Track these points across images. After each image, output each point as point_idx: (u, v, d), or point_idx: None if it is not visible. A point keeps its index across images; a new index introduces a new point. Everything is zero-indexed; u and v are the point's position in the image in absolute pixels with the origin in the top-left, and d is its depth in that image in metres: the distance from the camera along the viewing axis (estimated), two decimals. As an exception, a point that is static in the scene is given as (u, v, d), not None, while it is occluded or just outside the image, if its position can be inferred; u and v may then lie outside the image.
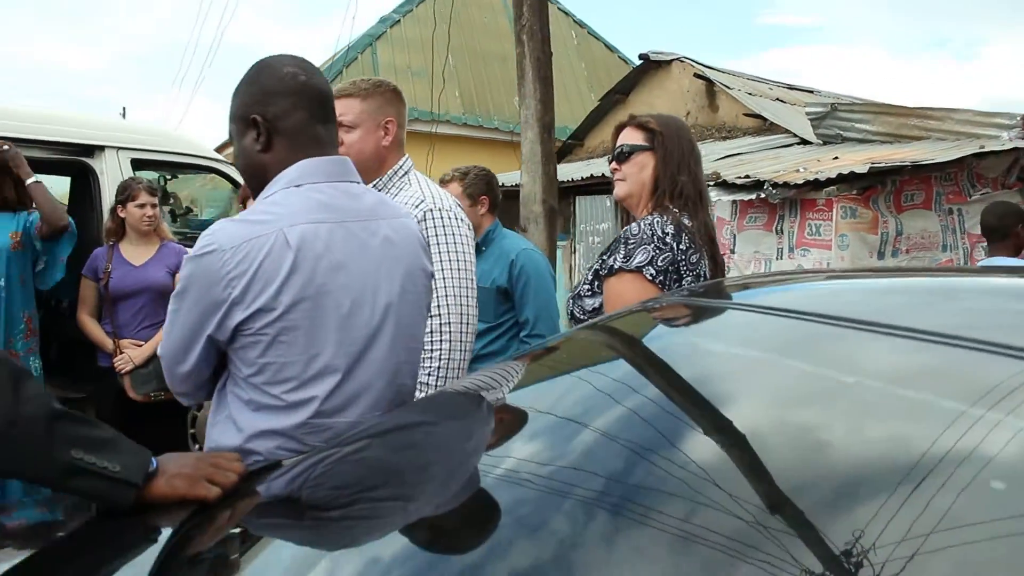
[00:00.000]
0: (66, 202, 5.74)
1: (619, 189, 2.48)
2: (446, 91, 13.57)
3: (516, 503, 0.97)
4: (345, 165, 1.73)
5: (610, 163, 2.52)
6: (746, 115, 9.26)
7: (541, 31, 5.11)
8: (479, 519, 0.97)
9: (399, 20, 13.71)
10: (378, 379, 1.65)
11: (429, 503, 1.08)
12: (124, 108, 38.27)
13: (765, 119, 8.95)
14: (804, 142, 8.18)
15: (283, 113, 1.66)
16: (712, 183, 6.31)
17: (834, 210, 5.76)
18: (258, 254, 1.51)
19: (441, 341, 2.32)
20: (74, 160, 5.13)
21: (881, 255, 5.97)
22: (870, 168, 5.42)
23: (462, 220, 2.37)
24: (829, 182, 5.58)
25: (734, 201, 6.37)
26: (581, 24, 15.97)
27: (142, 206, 4.18)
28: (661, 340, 1.60)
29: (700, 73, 9.91)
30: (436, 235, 2.30)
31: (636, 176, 2.42)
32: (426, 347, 2.32)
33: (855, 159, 6.22)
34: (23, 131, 4.73)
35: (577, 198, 8.83)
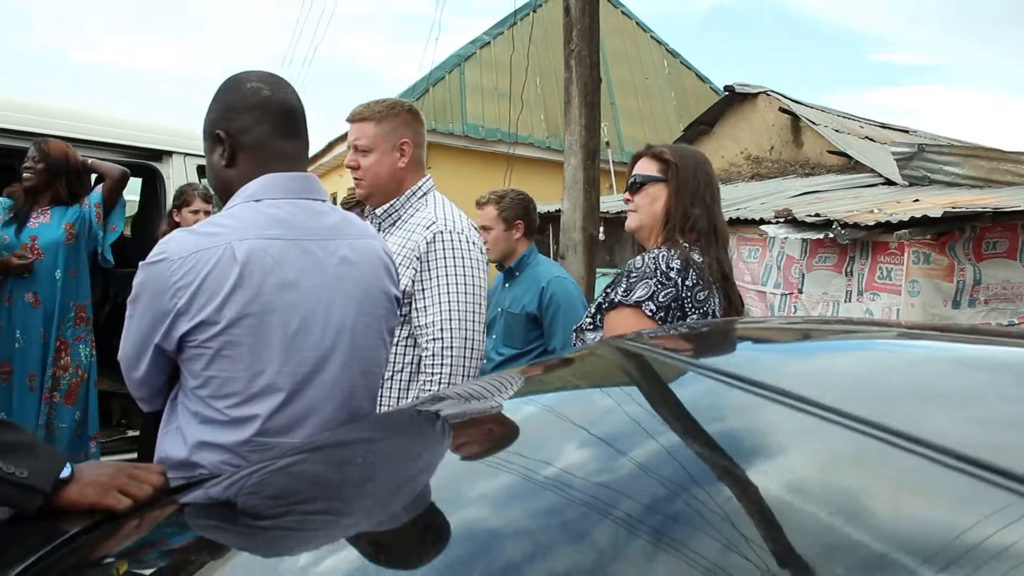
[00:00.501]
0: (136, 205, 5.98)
1: (630, 220, 2.41)
2: (531, 114, 13.65)
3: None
4: (308, 182, 1.70)
5: (624, 193, 2.46)
6: (830, 152, 8.99)
7: (590, 57, 5.06)
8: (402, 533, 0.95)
9: (489, 42, 13.85)
10: (328, 401, 1.61)
11: (350, 515, 1.05)
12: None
13: (850, 157, 8.66)
14: (889, 183, 7.88)
15: (246, 128, 1.66)
16: (781, 220, 6.12)
17: (906, 254, 5.51)
18: (204, 266, 1.50)
19: (442, 365, 2.28)
20: (144, 164, 5.32)
21: (956, 304, 5.68)
22: (944, 213, 5.17)
23: (474, 243, 2.34)
24: (901, 225, 5.34)
25: (804, 240, 6.17)
26: (674, 54, 15.86)
27: (196, 212, 4.32)
28: (586, 383, 1.51)
29: (786, 108, 9.68)
30: (444, 257, 2.27)
31: (648, 208, 2.35)
32: (427, 371, 2.29)
33: (935, 203, 5.95)
34: (97, 134, 4.94)
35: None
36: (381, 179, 2.39)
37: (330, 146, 17.47)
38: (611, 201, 10.12)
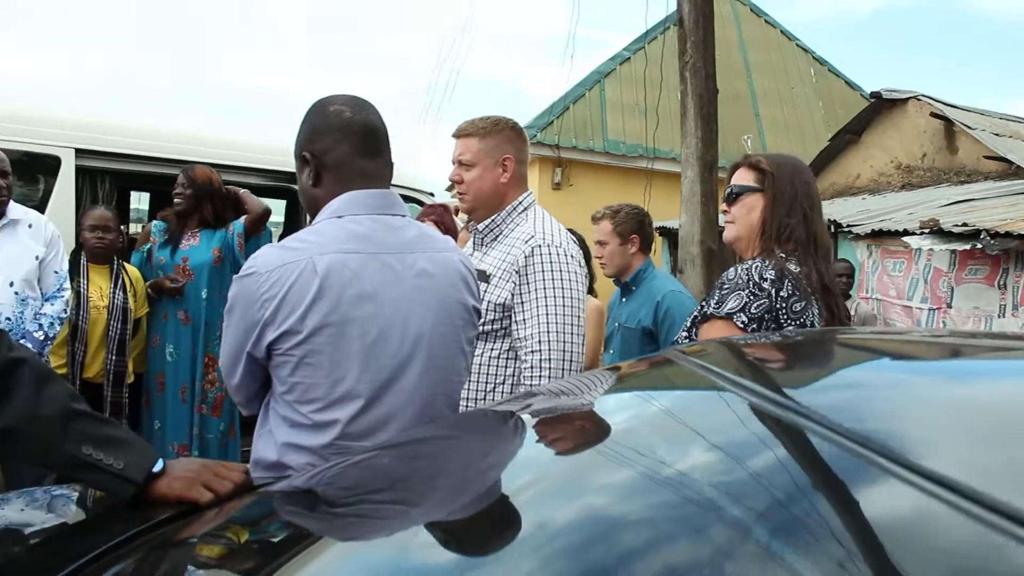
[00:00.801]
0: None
1: (727, 232, 2.39)
2: (671, 128, 13.53)
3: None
4: (388, 198, 1.79)
5: (721, 204, 2.44)
6: (987, 158, 8.45)
7: (705, 68, 4.99)
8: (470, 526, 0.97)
9: (629, 58, 13.84)
10: (407, 408, 1.69)
11: (421, 506, 1.09)
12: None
13: (1010, 162, 8.11)
14: (1056, 189, 7.33)
15: (328, 149, 1.76)
16: (927, 231, 5.82)
17: (1067, 265, 5.14)
18: (288, 279, 1.61)
19: (541, 377, 2.31)
20: (286, 187, 5.64)
21: None
22: (1108, 220, 4.79)
23: (572, 257, 2.36)
24: (1061, 233, 4.99)
25: (952, 251, 5.84)
26: (821, 61, 15.35)
27: None
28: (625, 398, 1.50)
29: (938, 112, 9.18)
30: (542, 271, 2.31)
31: (744, 218, 2.32)
32: (526, 383, 2.33)
33: (1102, 209, 5.52)
34: (241, 160, 5.29)
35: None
36: (483, 193, 2.46)
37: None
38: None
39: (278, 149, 5.76)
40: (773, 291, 2.14)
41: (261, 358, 1.67)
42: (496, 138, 2.45)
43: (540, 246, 2.32)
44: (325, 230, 1.71)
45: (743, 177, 2.35)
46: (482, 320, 2.31)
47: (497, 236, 2.45)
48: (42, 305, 3.64)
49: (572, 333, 2.33)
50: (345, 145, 1.76)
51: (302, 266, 1.62)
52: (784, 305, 2.14)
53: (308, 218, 1.87)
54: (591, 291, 4.24)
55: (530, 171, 14.63)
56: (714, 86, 5.05)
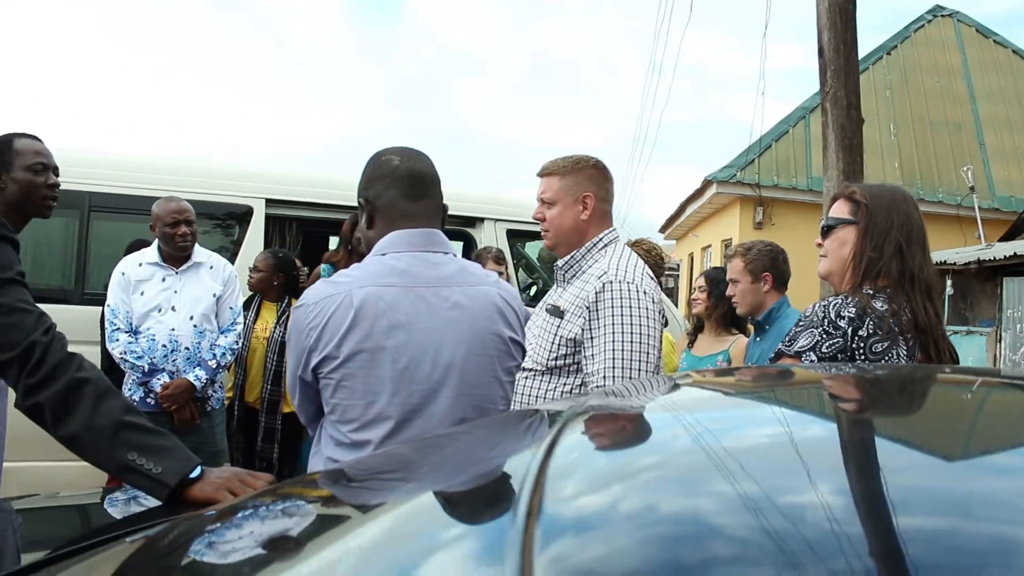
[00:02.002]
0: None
1: (821, 266, 2.31)
2: (884, 161, 12.82)
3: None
4: (431, 236, 1.93)
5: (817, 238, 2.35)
6: None
7: (847, 97, 4.71)
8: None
9: (836, 91, 13.29)
10: (437, 431, 1.79)
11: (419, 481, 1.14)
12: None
13: None
14: None
15: (379, 194, 1.95)
16: None
17: None
18: (329, 309, 1.79)
19: None
20: (460, 230, 5.93)
21: None
22: None
23: (644, 293, 2.37)
24: None
25: None
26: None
27: None
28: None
29: None
30: (612, 306, 2.33)
31: (836, 252, 2.24)
32: None
33: None
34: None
35: (1005, 279, 7.74)
36: (563, 230, 2.52)
37: (682, 207, 17.73)
38: (969, 252, 9.15)
39: (456, 195, 6.09)
40: (850, 330, 2.05)
41: (311, 381, 1.85)
42: (576, 176, 2.51)
43: (611, 282, 2.34)
44: (368, 266, 1.88)
45: (838, 209, 2.27)
46: (555, 356, 2.37)
47: (576, 273, 2.50)
48: (217, 337, 4.08)
49: (640, 369, 2.33)
50: (393, 190, 1.94)
51: (341, 298, 1.80)
52: (863, 345, 2.05)
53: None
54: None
55: (729, 210, 14.47)
56: (857, 115, 4.78)
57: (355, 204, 2.03)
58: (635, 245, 4.30)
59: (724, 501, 0.77)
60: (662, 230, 22.28)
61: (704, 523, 0.75)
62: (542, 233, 2.60)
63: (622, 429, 1.22)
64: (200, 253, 4.11)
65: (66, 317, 4.41)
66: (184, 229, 3.93)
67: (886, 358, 2.05)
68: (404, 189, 1.94)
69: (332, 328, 1.78)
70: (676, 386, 1.53)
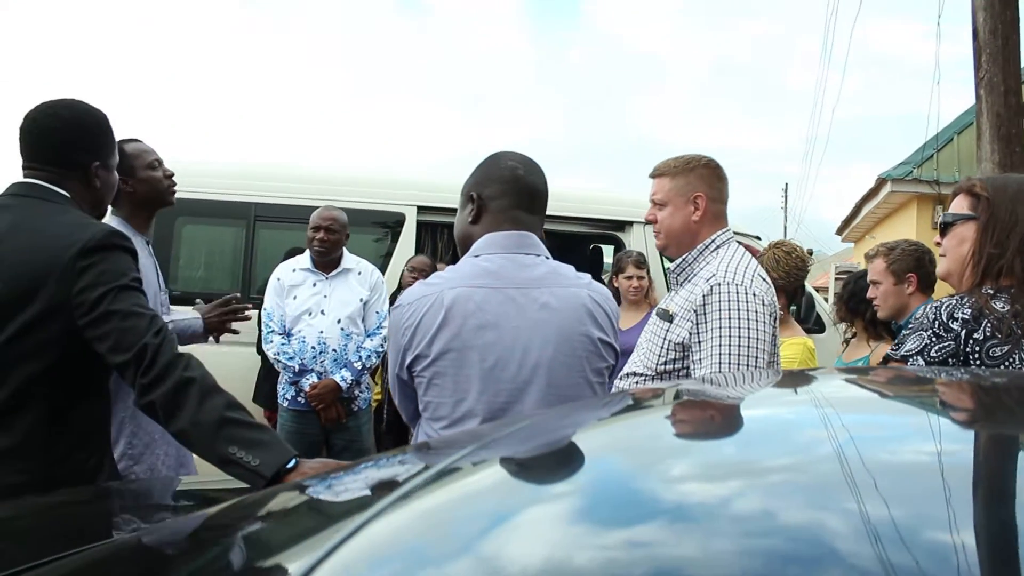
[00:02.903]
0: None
1: (939, 266, 2.18)
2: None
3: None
4: (524, 239, 1.97)
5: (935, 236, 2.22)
6: None
7: (1004, 83, 4.29)
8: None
9: (1028, 79, 12.27)
10: None
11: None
12: (786, 184, 40.44)
13: None
14: None
15: (494, 196, 2.01)
16: None
17: None
18: (421, 310, 1.87)
19: None
20: (609, 234, 5.94)
21: None
22: None
23: (754, 295, 2.30)
24: None
25: None
26: None
27: (629, 278, 4.72)
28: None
29: None
30: (719, 309, 2.28)
31: (954, 251, 2.10)
32: None
33: None
34: (569, 210, 5.66)
35: None
36: (674, 232, 2.48)
37: (857, 208, 16.92)
38: None
39: (605, 199, 6.10)
40: (963, 333, 1.93)
41: (407, 380, 1.94)
42: (688, 176, 2.47)
43: (719, 284, 2.29)
44: (461, 267, 1.95)
45: (958, 205, 2.13)
46: (664, 360, 2.34)
47: (688, 276, 2.46)
48: (363, 340, 4.29)
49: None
50: (509, 198, 2.01)
51: (433, 299, 1.88)
52: (978, 349, 1.91)
53: (459, 251, 2.10)
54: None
55: (905, 210, 13.62)
56: (1017, 102, 4.36)
57: None
58: (776, 247, 4.16)
59: (803, 501, 0.74)
60: (838, 232, 21.29)
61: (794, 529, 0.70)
62: (655, 235, 2.59)
63: (709, 419, 1.21)
64: (349, 259, 4.35)
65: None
66: (323, 235, 4.17)
67: (1005, 363, 1.91)
68: (520, 200, 2.01)
69: (424, 327, 1.86)
70: (764, 381, 1.49)
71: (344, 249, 4.35)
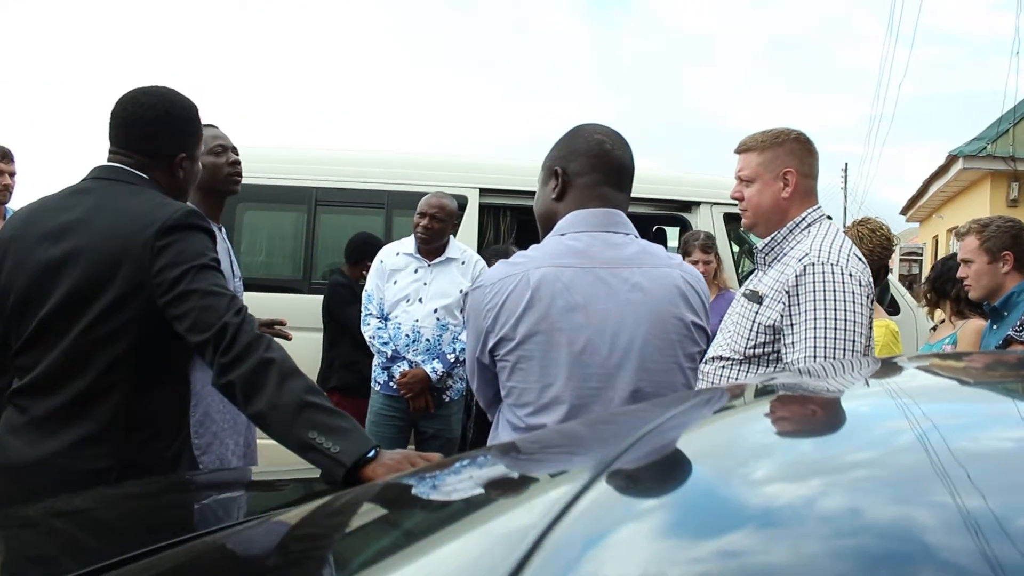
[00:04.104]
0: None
1: None
2: None
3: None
4: (612, 217, 1.85)
5: None
6: None
7: None
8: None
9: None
10: None
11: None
12: (846, 164, 39.60)
13: None
14: None
15: (581, 171, 1.89)
16: None
17: None
18: (506, 290, 1.76)
19: None
20: (675, 215, 5.78)
21: None
22: None
23: (850, 275, 2.15)
24: None
25: None
26: None
27: (695, 262, 4.58)
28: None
29: None
30: (814, 290, 2.14)
31: None
32: None
33: None
34: (635, 191, 5.52)
35: None
36: (763, 209, 2.34)
37: (924, 186, 16.47)
38: None
39: (670, 179, 5.93)
40: None
41: (488, 364, 1.83)
42: (776, 151, 2.33)
43: (813, 264, 2.14)
44: (546, 246, 1.84)
45: None
46: (753, 343, 2.21)
47: (778, 255, 2.32)
48: (460, 332, 4.15)
49: (846, 353, 2.12)
50: (597, 173, 1.88)
51: (518, 279, 1.76)
52: None
53: (541, 229, 1.98)
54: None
55: (978, 188, 13.20)
56: None
57: None
58: (860, 224, 3.98)
59: (925, 510, 0.65)
60: (903, 212, 20.82)
61: (909, 538, 0.62)
62: (741, 213, 2.44)
63: (810, 414, 1.09)
64: (455, 248, 4.25)
65: (294, 304, 4.76)
66: (428, 223, 4.06)
67: None
68: (609, 176, 1.88)
69: (509, 309, 1.75)
70: (870, 368, 1.36)
71: (451, 237, 4.25)
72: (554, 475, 0.98)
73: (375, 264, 4.23)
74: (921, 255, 20.44)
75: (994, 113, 11.71)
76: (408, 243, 4.23)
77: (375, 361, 4.20)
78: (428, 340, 4.09)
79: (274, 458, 2.07)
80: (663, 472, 0.86)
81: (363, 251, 4.72)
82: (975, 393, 1.15)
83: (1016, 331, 1.88)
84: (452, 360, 4.11)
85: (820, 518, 0.67)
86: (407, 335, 4.09)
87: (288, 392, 1.66)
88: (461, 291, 4.11)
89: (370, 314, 4.17)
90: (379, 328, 4.12)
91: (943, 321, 3.85)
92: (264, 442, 2.04)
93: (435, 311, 4.10)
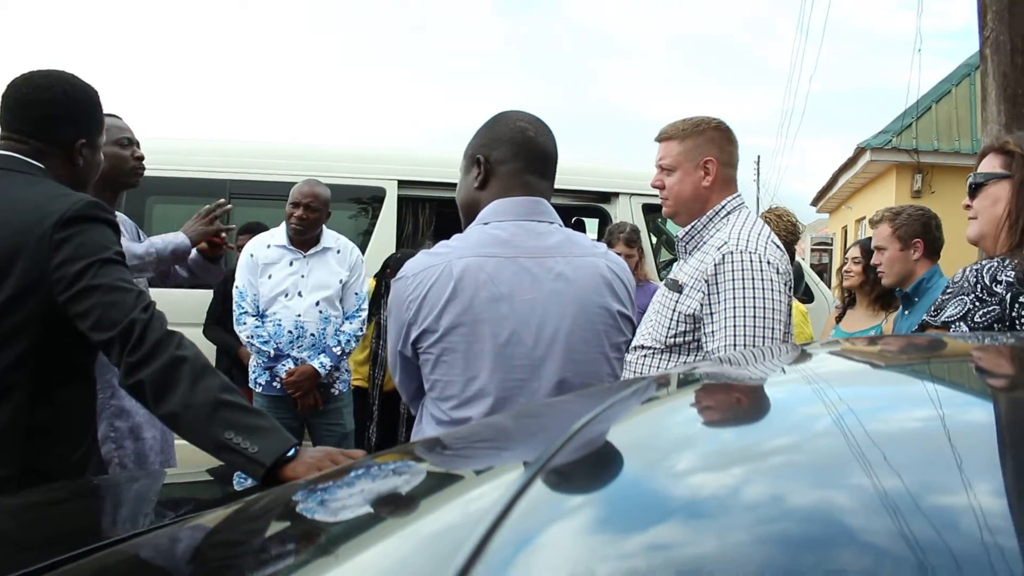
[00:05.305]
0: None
1: (970, 230, 2.07)
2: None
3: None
4: (536, 205, 1.83)
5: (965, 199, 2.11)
6: None
7: (1011, 41, 4.18)
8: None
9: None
10: None
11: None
12: (758, 156, 40.53)
13: None
14: None
15: (503, 160, 1.86)
16: None
17: None
18: (428, 281, 1.72)
19: None
20: (594, 206, 5.81)
21: None
22: None
23: (768, 263, 2.18)
24: None
25: None
26: None
27: (619, 254, 4.59)
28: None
29: None
30: (732, 279, 2.15)
31: (988, 211, 2.00)
32: None
33: None
34: (561, 183, 5.52)
35: None
36: (683, 198, 2.36)
37: (834, 178, 16.95)
38: None
39: (589, 170, 5.95)
40: (1008, 296, 1.83)
41: (411, 357, 1.79)
42: (697, 139, 2.34)
43: (732, 252, 2.17)
44: (470, 236, 1.81)
45: (989, 164, 2.03)
46: (674, 332, 2.23)
47: (698, 244, 2.34)
48: (342, 323, 4.07)
49: (763, 341, 2.16)
50: (520, 161, 1.86)
51: (441, 269, 1.73)
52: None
53: (463, 219, 1.95)
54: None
55: (884, 179, 13.67)
56: None
57: None
58: (767, 212, 4.09)
59: (850, 495, 0.65)
60: (814, 203, 21.39)
61: (835, 522, 0.62)
62: (661, 202, 2.46)
63: (735, 403, 1.09)
64: (328, 237, 4.11)
65: (208, 302, 4.61)
66: (302, 212, 3.91)
67: None
68: (533, 163, 1.87)
69: (431, 300, 1.72)
70: (795, 355, 1.38)
71: (324, 227, 4.10)
72: (486, 473, 0.96)
73: (243, 259, 4.03)
74: (831, 245, 21.08)
75: (899, 107, 12.17)
76: (279, 234, 4.05)
77: (254, 362, 4.03)
78: (313, 335, 3.96)
79: (190, 459, 2.00)
80: (598, 468, 0.85)
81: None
82: (891, 376, 1.16)
83: (930, 316, 1.93)
84: (338, 353, 4.00)
85: (746, 506, 0.66)
86: (290, 331, 3.94)
87: (202, 391, 1.59)
88: (340, 281, 4.03)
89: (245, 312, 3.96)
90: (257, 327, 3.94)
91: (849, 306, 3.94)
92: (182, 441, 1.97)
93: (316, 304, 3.96)
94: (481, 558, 0.60)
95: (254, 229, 4.44)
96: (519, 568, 0.61)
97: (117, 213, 2.64)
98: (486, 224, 1.81)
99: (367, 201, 5.34)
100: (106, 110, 2.08)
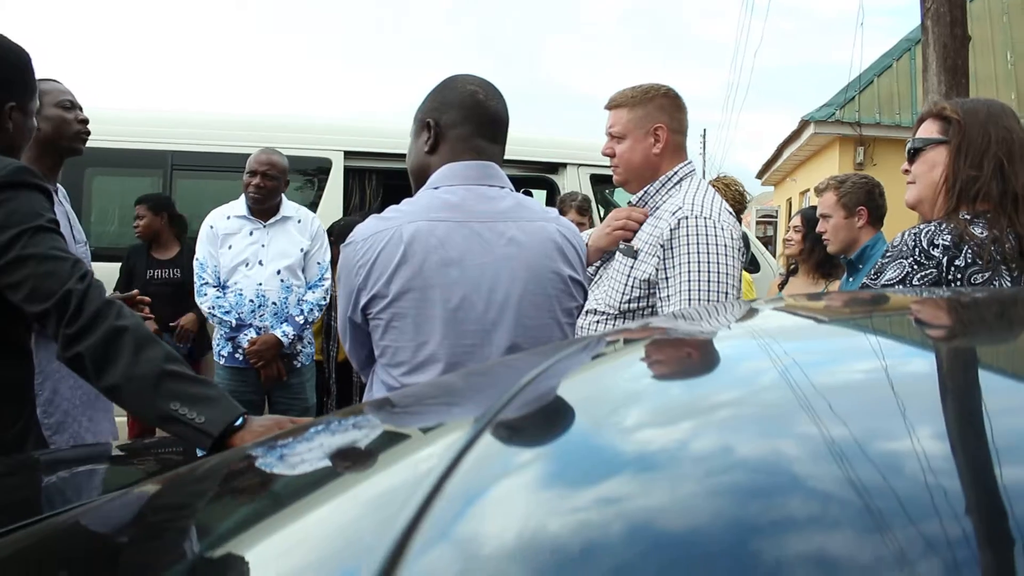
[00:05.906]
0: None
1: (908, 194, 2.11)
2: (999, 93, 12.01)
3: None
4: (486, 169, 1.81)
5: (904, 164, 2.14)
6: None
7: (951, 12, 4.28)
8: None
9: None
10: None
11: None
12: (704, 129, 40.81)
13: None
14: None
15: (453, 123, 1.83)
16: None
17: None
18: (378, 246, 1.70)
19: None
20: (542, 177, 5.80)
21: None
22: None
23: (723, 228, 2.20)
24: None
25: None
26: None
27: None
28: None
29: None
30: (688, 244, 2.18)
31: (925, 176, 2.04)
32: None
33: None
34: (509, 153, 5.49)
35: None
36: (634, 165, 2.37)
37: (779, 151, 17.15)
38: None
39: (537, 140, 5.93)
40: (945, 260, 1.86)
41: (361, 323, 1.77)
42: (647, 107, 2.35)
43: (687, 217, 2.19)
44: (419, 200, 1.79)
45: (927, 129, 2.06)
46: (628, 298, 2.25)
47: (651, 209, 2.35)
48: (305, 292, 4.05)
49: None
50: (470, 125, 1.83)
51: (390, 234, 1.71)
52: (960, 276, 1.86)
53: (413, 183, 1.93)
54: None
55: (828, 152, 13.89)
56: (963, 33, 4.33)
57: None
58: (715, 181, 4.13)
59: (797, 444, 0.65)
60: (759, 176, 21.65)
61: (783, 471, 0.62)
62: (612, 169, 2.46)
63: (684, 357, 1.09)
64: (288, 207, 4.08)
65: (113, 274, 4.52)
66: (259, 181, 3.88)
67: None
68: (483, 128, 1.84)
69: (381, 265, 1.70)
70: (743, 311, 1.39)
71: (283, 196, 4.06)
72: (435, 430, 0.95)
73: (204, 230, 4.00)
74: (776, 217, 21.36)
75: (842, 81, 12.34)
76: (238, 205, 4.02)
77: (216, 334, 4.00)
78: (275, 304, 3.94)
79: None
80: (547, 422, 0.85)
81: None
82: (835, 330, 1.19)
83: (870, 279, 1.96)
84: (301, 323, 3.98)
85: (695, 458, 0.66)
86: (251, 301, 3.91)
87: (144, 362, 1.54)
88: (301, 250, 4.01)
89: (206, 283, 3.94)
90: (218, 297, 3.91)
91: (792, 275, 4.01)
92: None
93: (278, 272, 3.94)
94: (428, 514, 0.59)
95: (151, 200, 4.48)
96: (467, 523, 0.60)
97: (58, 186, 2.57)
98: (436, 188, 1.79)
99: (313, 172, 5.27)
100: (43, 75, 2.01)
